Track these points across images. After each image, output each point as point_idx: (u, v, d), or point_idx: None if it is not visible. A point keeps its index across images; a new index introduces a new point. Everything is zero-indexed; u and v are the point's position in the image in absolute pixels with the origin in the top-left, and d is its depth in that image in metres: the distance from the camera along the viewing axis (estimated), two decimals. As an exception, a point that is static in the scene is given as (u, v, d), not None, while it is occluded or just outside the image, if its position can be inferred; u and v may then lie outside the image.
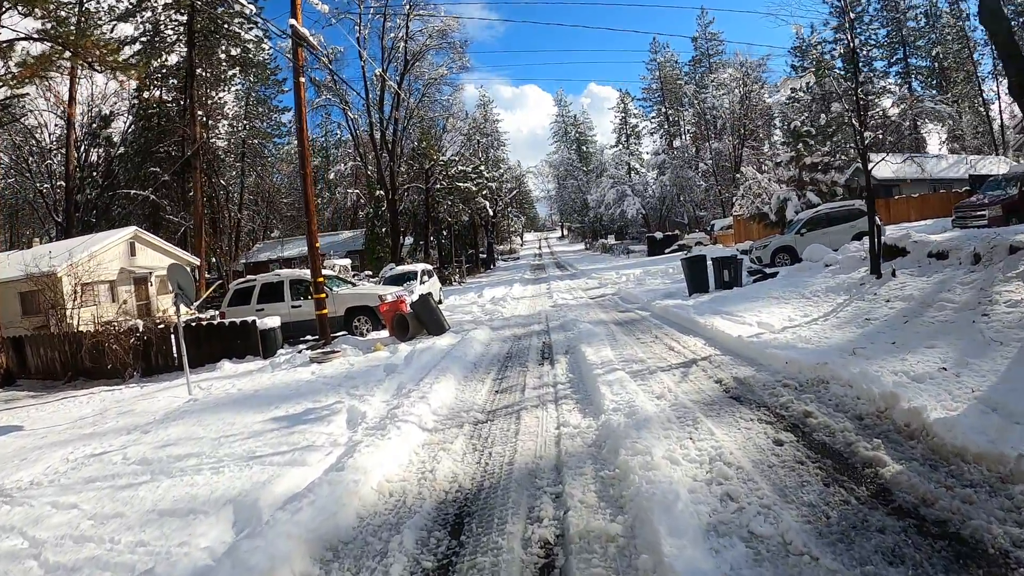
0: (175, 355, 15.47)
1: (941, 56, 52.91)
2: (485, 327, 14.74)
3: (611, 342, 10.82)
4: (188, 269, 13.96)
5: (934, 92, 51.21)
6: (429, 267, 26.44)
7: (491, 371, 9.75)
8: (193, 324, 16.65)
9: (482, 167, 47.81)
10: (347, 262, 27.07)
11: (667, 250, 42.73)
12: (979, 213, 18.59)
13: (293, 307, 17.47)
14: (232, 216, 53.35)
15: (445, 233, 49.18)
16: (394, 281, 24.18)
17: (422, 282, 23.81)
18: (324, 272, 18.58)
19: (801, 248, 21.29)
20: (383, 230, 42.41)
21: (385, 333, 15.74)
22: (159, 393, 12.21)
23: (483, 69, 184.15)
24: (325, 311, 15.44)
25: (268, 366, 13.29)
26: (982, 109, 53.07)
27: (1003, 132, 50.65)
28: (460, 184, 41.70)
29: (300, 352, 14.49)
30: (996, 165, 42.15)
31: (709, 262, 16.59)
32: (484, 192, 45.82)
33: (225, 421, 8.29)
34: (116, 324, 17.95)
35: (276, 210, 62.60)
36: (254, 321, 15.51)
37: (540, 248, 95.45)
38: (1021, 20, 49.36)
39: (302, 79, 15.65)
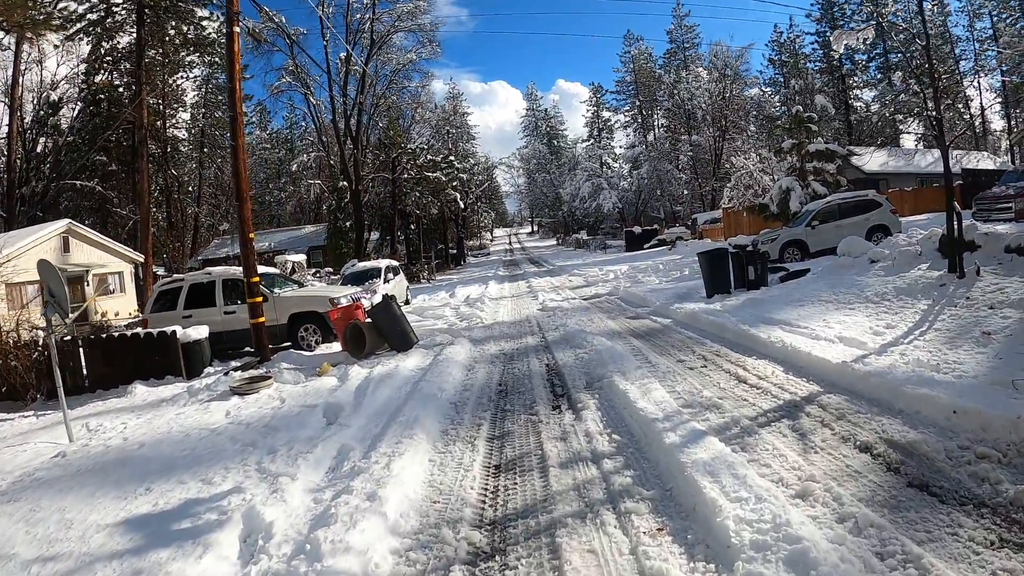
0: (84, 374, 12.00)
1: (918, 54, 50.93)
2: (463, 340, 11.43)
3: (649, 368, 7.56)
4: (59, 269, 10.23)
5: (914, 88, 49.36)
6: (395, 263, 23.01)
7: (481, 422, 6.39)
8: (104, 336, 13.11)
9: (452, 157, 44.15)
10: (302, 258, 23.36)
11: (646, 245, 39.97)
12: (1004, 205, 17.16)
13: (226, 313, 13.92)
14: (191, 210, 49.35)
15: (413, 227, 45.51)
16: (355, 279, 20.84)
17: (386, 280, 20.47)
18: (263, 270, 15.13)
19: (813, 242, 18.74)
20: (347, 224, 38.77)
21: (338, 346, 12.37)
22: (41, 432, 8.78)
23: (453, 65, 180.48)
24: (262, 319, 12.06)
25: (185, 393, 9.80)
26: (961, 106, 51.41)
27: (984, 128, 48.99)
28: (429, 174, 38.03)
29: (227, 373, 11.07)
30: (981, 161, 40.83)
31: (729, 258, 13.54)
32: (454, 183, 42.20)
33: (63, 518, 4.92)
34: (13, 334, 14.17)
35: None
36: (173, 332, 12.00)
37: (511, 243, 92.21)
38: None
39: (236, 29, 12.28)
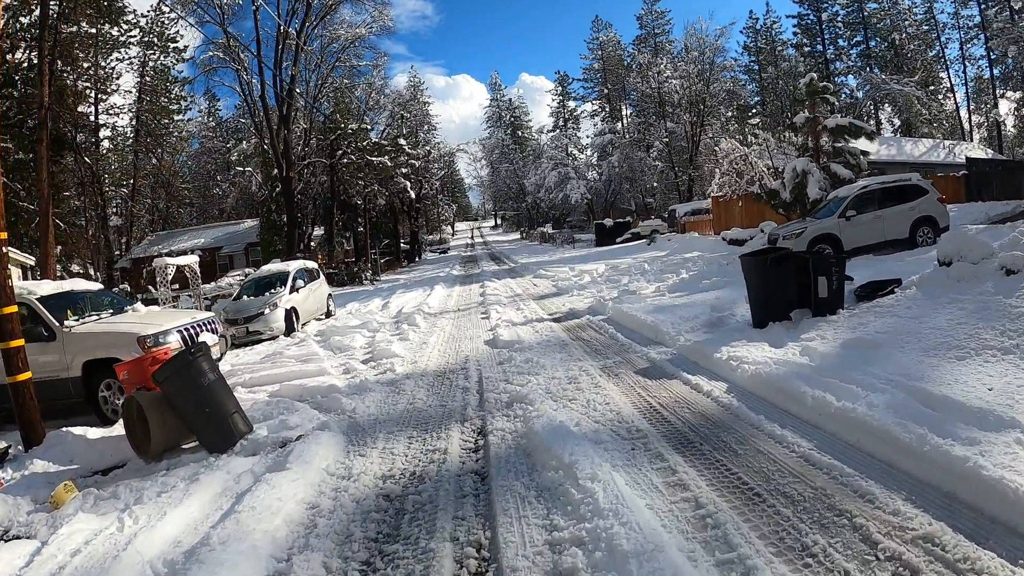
0: None
1: (897, 43, 47.09)
2: (335, 428, 5.86)
3: None
4: None
5: (894, 76, 45.43)
6: (311, 265, 17.29)
7: None
8: None
9: (401, 140, 38.06)
10: (193, 259, 17.21)
11: (619, 239, 35.08)
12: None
13: (9, 352, 8.18)
14: (126, 206, 43.11)
15: (360, 221, 39.57)
16: (257, 289, 15.27)
17: (295, 289, 14.94)
18: (64, 287, 9.50)
19: (848, 237, 13.74)
20: (282, 217, 32.84)
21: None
22: None
23: (417, 59, 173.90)
24: (25, 376, 6.58)
25: None
26: (942, 97, 47.59)
27: (970, 118, 45.30)
28: (373, 158, 32.10)
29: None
30: (972, 151, 37.42)
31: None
32: (403, 170, 36.25)
33: None
34: None
35: (176, 197, 52.14)
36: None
37: (472, 238, 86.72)
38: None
39: None
